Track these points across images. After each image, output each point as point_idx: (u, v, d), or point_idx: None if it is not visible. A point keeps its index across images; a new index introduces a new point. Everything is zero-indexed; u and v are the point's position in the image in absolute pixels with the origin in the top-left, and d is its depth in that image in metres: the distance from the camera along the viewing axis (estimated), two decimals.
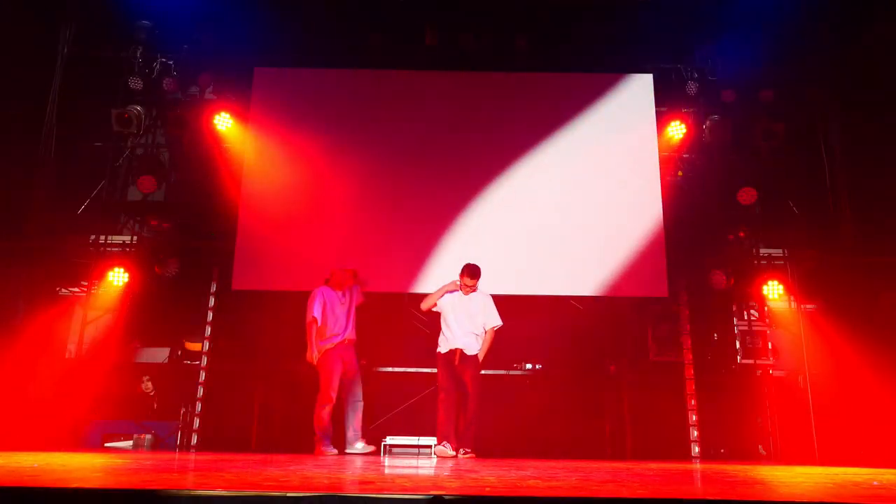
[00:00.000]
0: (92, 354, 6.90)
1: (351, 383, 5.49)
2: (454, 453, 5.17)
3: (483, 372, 5.57)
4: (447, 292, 5.52)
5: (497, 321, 5.50)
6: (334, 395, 5.36)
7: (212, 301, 6.84)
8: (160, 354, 7.20)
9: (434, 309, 5.58)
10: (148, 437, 6.39)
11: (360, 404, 5.52)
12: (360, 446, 5.43)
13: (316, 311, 5.50)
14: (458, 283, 5.50)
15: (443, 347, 5.48)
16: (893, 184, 6.87)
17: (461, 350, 5.38)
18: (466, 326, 5.43)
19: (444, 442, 5.23)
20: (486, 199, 7.00)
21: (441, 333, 5.55)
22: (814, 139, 7.52)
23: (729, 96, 7.28)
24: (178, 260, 6.83)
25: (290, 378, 7.08)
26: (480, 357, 5.45)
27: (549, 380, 6.99)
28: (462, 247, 6.65)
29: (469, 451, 5.19)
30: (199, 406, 6.57)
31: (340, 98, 7.32)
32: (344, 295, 5.66)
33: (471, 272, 5.46)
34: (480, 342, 5.46)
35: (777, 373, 6.95)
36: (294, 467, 3.00)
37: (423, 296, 5.88)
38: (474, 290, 5.52)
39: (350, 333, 5.56)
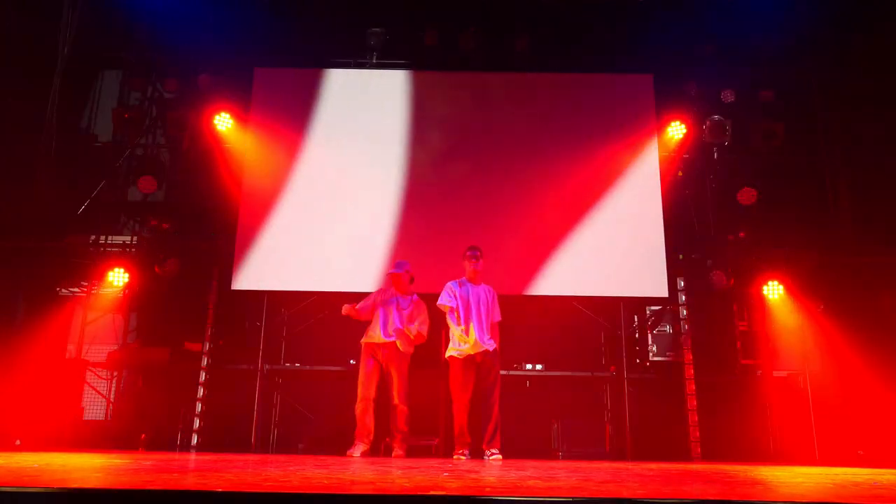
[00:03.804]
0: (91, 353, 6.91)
1: (389, 386, 5.37)
2: (465, 458, 5.01)
3: None
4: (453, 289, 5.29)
5: (499, 315, 5.38)
6: (364, 393, 5.26)
7: (212, 301, 6.84)
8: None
9: (442, 303, 5.30)
10: None
11: (398, 409, 5.32)
12: (393, 447, 5.32)
13: (362, 302, 5.53)
14: (466, 265, 5.31)
15: (458, 351, 5.18)
16: (893, 184, 6.87)
17: (483, 351, 5.13)
18: (485, 320, 5.20)
19: (463, 450, 5.04)
20: (485, 199, 7.00)
21: (454, 334, 5.23)
22: (814, 139, 7.53)
23: (729, 96, 7.28)
24: (178, 260, 6.83)
25: (291, 378, 7.09)
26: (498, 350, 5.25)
27: (549, 380, 6.99)
28: (461, 246, 6.64)
29: (496, 452, 5.01)
30: (199, 406, 6.57)
31: (340, 98, 7.33)
32: (400, 300, 5.52)
33: (476, 247, 5.36)
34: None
35: (778, 373, 6.95)
36: (294, 467, 3.00)
37: (425, 296, 5.83)
38: (476, 268, 5.32)
39: (385, 336, 5.39)
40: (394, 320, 5.45)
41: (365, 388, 5.31)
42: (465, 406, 5.14)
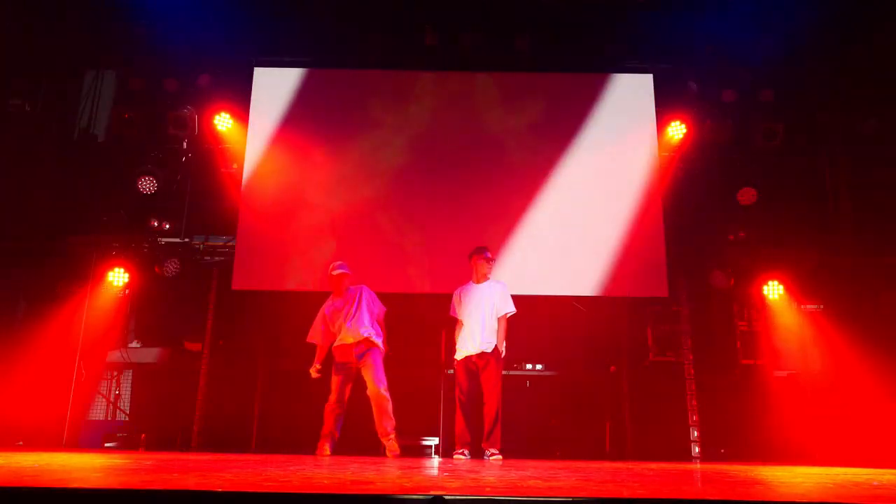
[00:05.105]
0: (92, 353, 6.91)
1: (368, 379, 5.28)
2: (465, 457, 5.03)
3: None
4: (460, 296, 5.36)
5: (511, 307, 5.28)
6: (333, 398, 5.25)
7: (212, 301, 6.84)
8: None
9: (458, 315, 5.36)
10: None
11: (383, 399, 5.21)
12: (387, 445, 5.24)
13: (311, 334, 5.48)
14: (479, 266, 5.31)
15: (460, 353, 5.23)
16: (893, 184, 6.87)
17: (480, 352, 5.14)
18: (485, 319, 5.19)
19: (463, 449, 5.07)
20: (486, 198, 7.00)
21: (459, 334, 5.29)
22: (814, 139, 7.52)
23: (729, 96, 7.28)
24: (178, 260, 6.83)
25: (290, 378, 7.08)
26: (501, 349, 5.20)
27: (549, 380, 6.99)
28: (462, 246, 6.64)
29: (496, 452, 5.00)
30: (198, 406, 6.56)
31: (340, 98, 7.33)
32: (344, 301, 5.44)
33: (486, 248, 5.38)
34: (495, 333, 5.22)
35: (777, 373, 6.95)
36: (294, 467, 3.00)
37: (424, 296, 5.85)
38: (490, 270, 5.34)
39: (353, 335, 5.32)
40: (358, 317, 5.37)
41: (339, 393, 5.27)
42: (465, 406, 5.16)
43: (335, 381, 5.33)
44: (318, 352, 5.45)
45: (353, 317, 5.37)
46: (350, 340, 5.33)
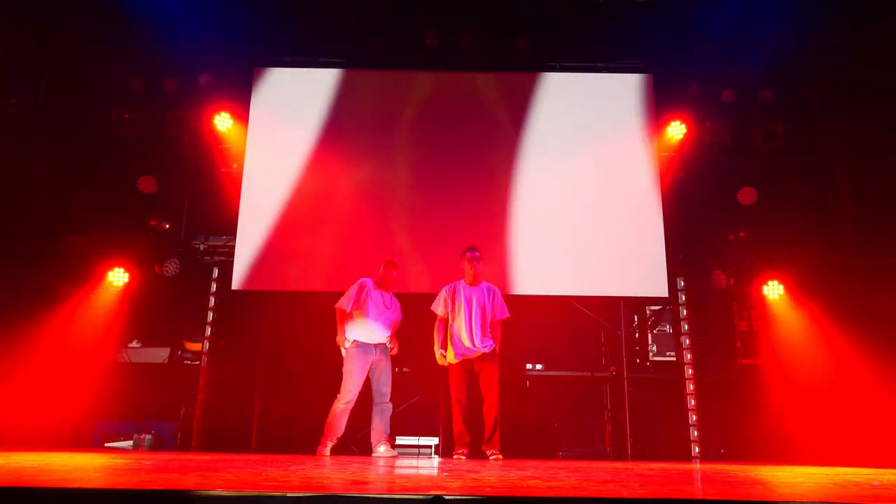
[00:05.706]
0: (92, 353, 6.90)
1: (379, 383, 5.36)
2: (465, 457, 5.04)
3: None
4: (447, 295, 5.36)
5: (507, 312, 5.31)
6: (353, 394, 5.23)
7: (212, 301, 6.84)
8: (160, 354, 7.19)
9: (441, 313, 5.35)
10: (148, 437, 6.38)
11: (389, 406, 5.35)
12: (381, 450, 5.23)
13: (344, 301, 5.43)
14: (469, 266, 5.29)
15: (456, 354, 5.20)
16: (893, 183, 6.87)
17: (480, 354, 5.14)
18: (480, 321, 5.18)
19: (463, 450, 5.08)
20: (485, 199, 7.00)
21: (452, 336, 5.26)
22: (814, 139, 7.53)
23: (729, 96, 7.29)
24: (178, 260, 6.83)
25: (291, 378, 7.09)
26: (497, 350, 5.22)
27: (549, 380, 6.99)
28: (461, 246, 6.64)
29: (496, 452, 4.99)
30: (198, 406, 6.56)
31: (340, 98, 7.33)
32: (388, 297, 5.57)
33: (475, 247, 5.37)
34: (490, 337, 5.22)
35: (777, 373, 6.94)
36: (294, 467, 3.00)
37: (424, 296, 5.86)
38: (480, 269, 5.35)
39: (381, 334, 5.43)
40: (386, 318, 5.48)
41: (356, 389, 5.26)
42: (464, 406, 5.15)
43: (359, 380, 5.29)
44: (345, 323, 5.42)
45: (385, 317, 5.47)
46: (378, 340, 5.42)
